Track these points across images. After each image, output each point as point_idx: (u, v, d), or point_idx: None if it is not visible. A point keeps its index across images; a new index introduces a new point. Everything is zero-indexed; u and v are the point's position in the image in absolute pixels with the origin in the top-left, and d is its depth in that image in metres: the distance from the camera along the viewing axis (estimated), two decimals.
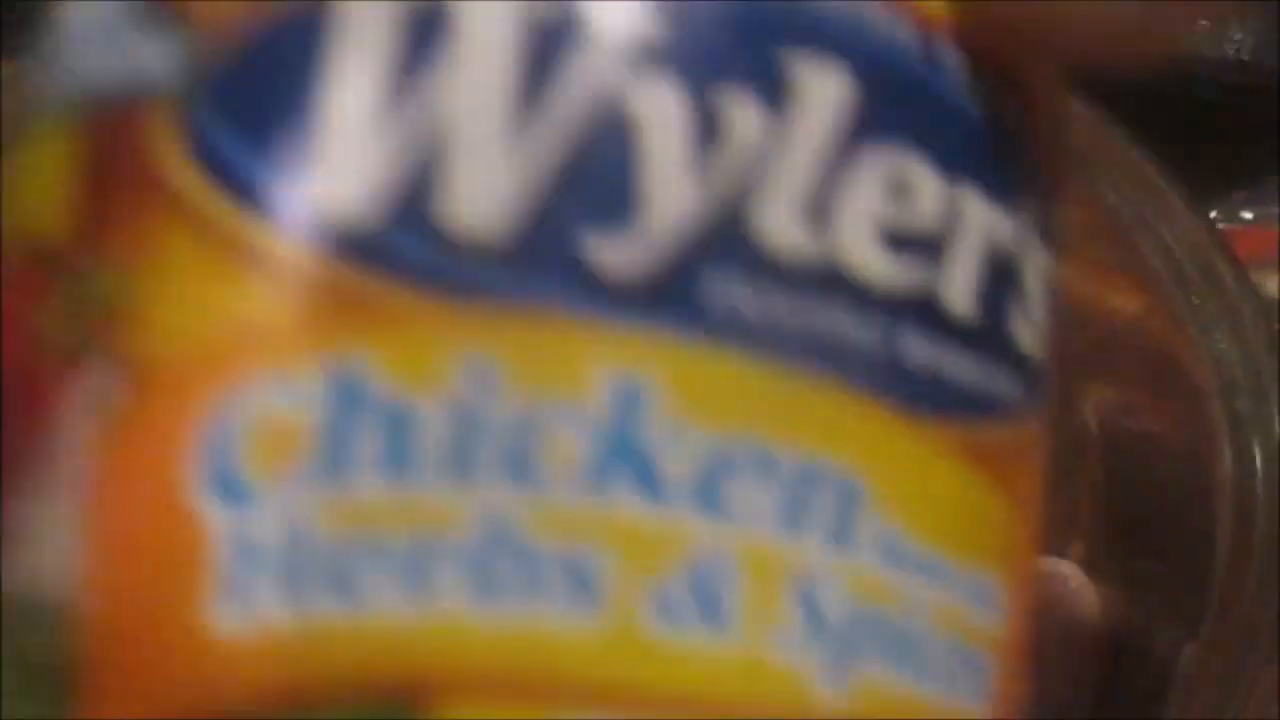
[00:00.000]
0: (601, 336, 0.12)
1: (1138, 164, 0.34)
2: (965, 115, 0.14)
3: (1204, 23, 0.47)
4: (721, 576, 0.12)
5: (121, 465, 0.12)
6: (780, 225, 0.13)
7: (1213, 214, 0.44)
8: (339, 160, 0.12)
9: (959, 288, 0.14)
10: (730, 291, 0.13)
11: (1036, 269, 0.15)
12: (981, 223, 0.14)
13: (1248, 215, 0.47)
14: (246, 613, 0.12)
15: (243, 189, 0.12)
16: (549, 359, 0.12)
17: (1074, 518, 0.36)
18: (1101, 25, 0.14)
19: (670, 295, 0.12)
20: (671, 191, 0.13)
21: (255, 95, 0.13)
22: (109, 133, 0.13)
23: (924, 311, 0.14)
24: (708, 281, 0.13)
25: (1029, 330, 0.15)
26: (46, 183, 0.14)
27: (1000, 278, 0.14)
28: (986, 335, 0.14)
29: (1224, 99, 0.48)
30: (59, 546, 0.12)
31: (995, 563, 0.14)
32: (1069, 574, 0.35)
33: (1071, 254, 0.36)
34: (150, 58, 0.13)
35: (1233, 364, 0.32)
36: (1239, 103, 0.47)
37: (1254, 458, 0.31)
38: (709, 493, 0.12)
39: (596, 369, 0.12)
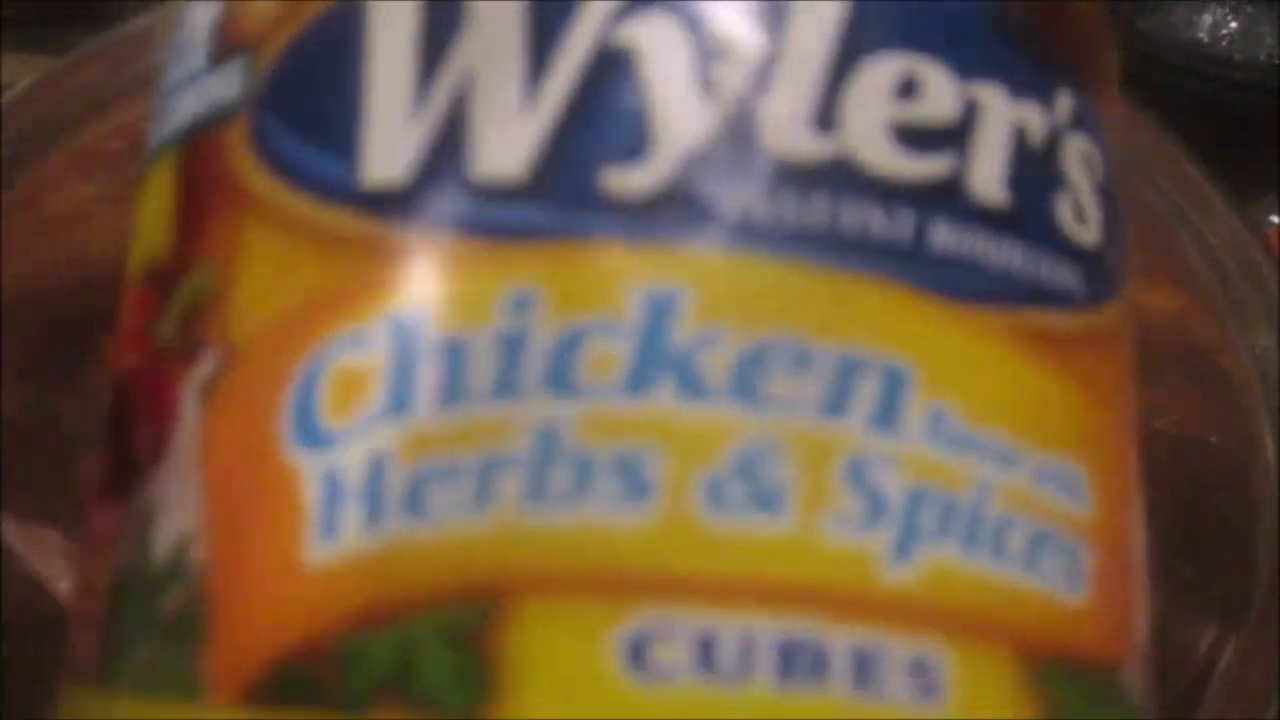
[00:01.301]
0: (628, 256, 0.13)
1: (1178, 161, 0.34)
2: (976, 17, 0.15)
3: (1233, 25, 0.47)
4: (770, 463, 0.13)
5: (225, 434, 0.14)
6: (788, 131, 0.14)
7: None
8: (379, 135, 0.14)
9: (988, 176, 0.14)
10: (745, 199, 0.13)
11: (1081, 159, 0.15)
12: (1005, 115, 0.15)
13: (1276, 219, 0.47)
14: (337, 543, 0.13)
15: (301, 177, 0.14)
16: (582, 282, 0.13)
17: None
18: None
19: (688, 210, 0.13)
20: (677, 115, 0.14)
21: (302, 92, 0.15)
22: (198, 158, 0.15)
23: (951, 200, 0.14)
24: (722, 192, 0.13)
25: (1080, 219, 0.15)
26: (156, 215, 0.16)
27: (1036, 167, 0.15)
28: (1026, 222, 0.15)
29: (1255, 102, 0.47)
30: (185, 514, 0.14)
31: (1073, 448, 0.14)
32: None
33: None
34: (222, 88, 0.15)
35: (1273, 362, 0.32)
36: (1269, 106, 0.46)
37: None
38: (747, 387, 0.13)
39: (627, 285, 0.13)
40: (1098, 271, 0.15)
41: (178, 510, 0.14)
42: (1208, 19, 0.50)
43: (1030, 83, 0.15)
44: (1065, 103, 0.15)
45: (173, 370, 0.15)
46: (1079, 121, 0.16)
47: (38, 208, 0.36)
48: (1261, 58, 0.49)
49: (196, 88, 0.16)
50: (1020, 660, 0.13)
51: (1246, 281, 0.33)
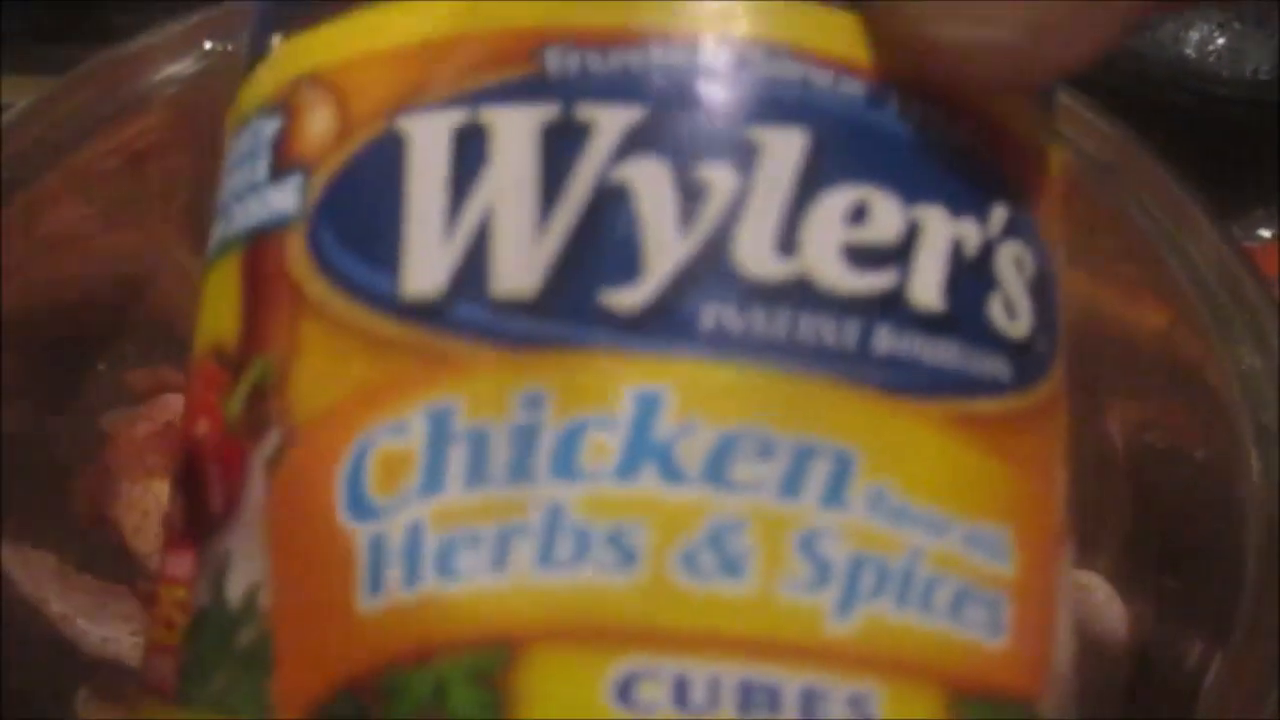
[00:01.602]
0: (622, 362, 0.16)
1: (1165, 181, 0.35)
2: (917, 145, 0.17)
3: (1220, 41, 0.48)
4: (735, 536, 0.16)
5: (287, 502, 0.17)
6: (756, 257, 0.16)
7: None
8: (416, 254, 0.17)
9: (926, 286, 0.17)
10: (720, 315, 0.16)
11: (1012, 262, 0.18)
12: (944, 232, 0.17)
13: (1266, 233, 0.48)
14: (382, 596, 0.16)
15: (350, 286, 0.17)
16: (584, 383, 0.16)
17: (1101, 531, 0.36)
18: (985, 52, 0.17)
19: (672, 324, 0.16)
20: (665, 245, 0.16)
21: (352, 212, 0.17)
22: (262, 259, 0.18)
23: (893, 309, 0.17)
24: (700, 310, 0.16)
25: (1011, 315, 0.18)
26: (223, 303, 0.19)
27: (970, 274, 0.17)
28: (960, 323, 0.17)
29: (1242, 118, 0.48)
30: (254, 566, 0.17)
31: (999, 515, 0.17)
32: (1097, 586, 0.36)
33: (1097, 271, 0.36)
34: (281, 200, 0.18)
35: (1259, 378, 0.32)
36: (1256, 121, 0.48)
37: None
38: (719, 472, 0.16)
39: (620, 386, 0.16)
40: (1027, 359, 0.18)
41: (248, 562, 0.17)
42: (1195, 35, 0.51)
43: (968, 200, 0.18)
44: (1000, 214, 0.18)
45: (242, 442, 0.18)
46: (1012, 228, 0.18)
47: (33, 228, 0.36)
48: (1248, 74, 0.51)
49: (259, 196, 0.18)
50: (945, 695, 0.16)
51: (1232, 299, 0.34)
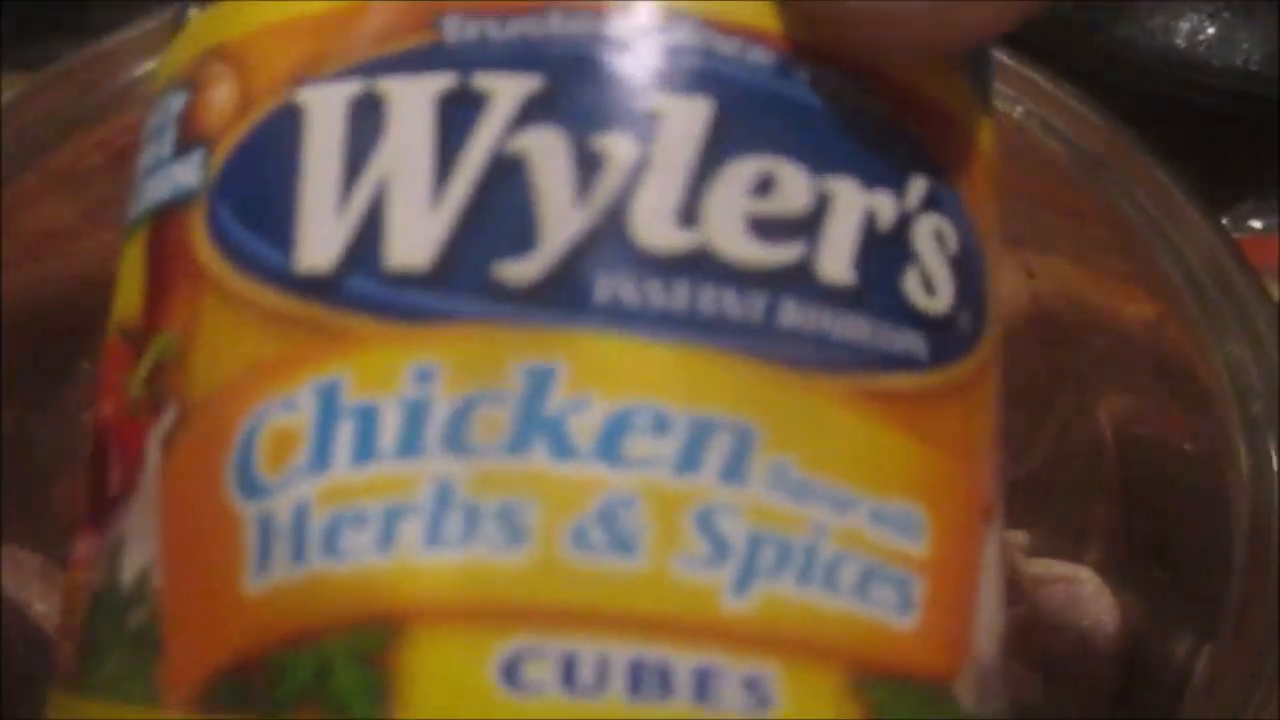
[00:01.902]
0: (514, 336, 0.16)
1: (1153, 172, 0.35)
2: (827, 116, 0.17)
3: (1210, 31, 0.48)
4: (628, 512, 0.15)
5: (180, 480, 0.17)
6: (655, 229, 0.16)
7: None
8: (310, 228, 0.16)
9: (835, 259, 0.16)
10: (617, 287, 0.16)
11: (932, 235, 0.17)
12: (856, 204, 0.17)
13: (1256, 224, 0.48)
14: (268, 577, 0.15)
15: (246, 260, 0.17)
16: (475, 358, 0.16)
17: (1089, 523, 0.36)
18: (894, 24, 0.16)
19: (565, 297, 0.16)
20: (560, 217, 0.16)
21: (248, 186, 0.17)
22: (165, 235, 0.18)
23: (799, 282, 0.16)
24: (596, 282, 0.16)
25: (930, 291, 0.17)
26: (131, 281, 0.18)
27: (884, 248, 0.17)
28: (870, 298, 0.17)
29: (1232, 108, 0.48)
30: (147, 546, 0.17)
31: (910, 493, 0.17)
32: (1086, 579, 0.35)
33: (1086, 262, 0.36)
34: (184, 175, 0.18)
35: (1248, 370, 0.32)
36: (1247, 112, 0.47)
37: (1271, 462, 0.31)
38: (611, 448, 0.15)
39: (512, 361, 0.15)
40: (947, 335, 0.17)
41: (141, 543, 0.17)
42: (1185, 25, 0.50)
43: (883, 172, 0.17)
44: (919, 186, 0.17)
45: (141, 421, 0.17)
46: (932, 201, 0.18)
47: (13, 228, 0.36)
48: (1238, 63, 0.50)
49: (165, 172, 0.18)
50: (849, 676, 0.16)
51: (1221, 291, 0.33)
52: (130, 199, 0.19)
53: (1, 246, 0.36)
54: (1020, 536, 0.38)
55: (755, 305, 0.16)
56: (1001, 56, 0.34)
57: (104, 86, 0.37)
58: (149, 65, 0.38)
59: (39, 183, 0.36)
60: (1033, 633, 0.35)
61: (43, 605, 0.35)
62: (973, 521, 0.18)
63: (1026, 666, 0.35)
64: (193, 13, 0.19)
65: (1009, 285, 0.36)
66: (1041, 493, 0.37)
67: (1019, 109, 0.35)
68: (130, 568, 0.17)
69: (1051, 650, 0.35)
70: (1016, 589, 0.36)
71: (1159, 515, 0.35)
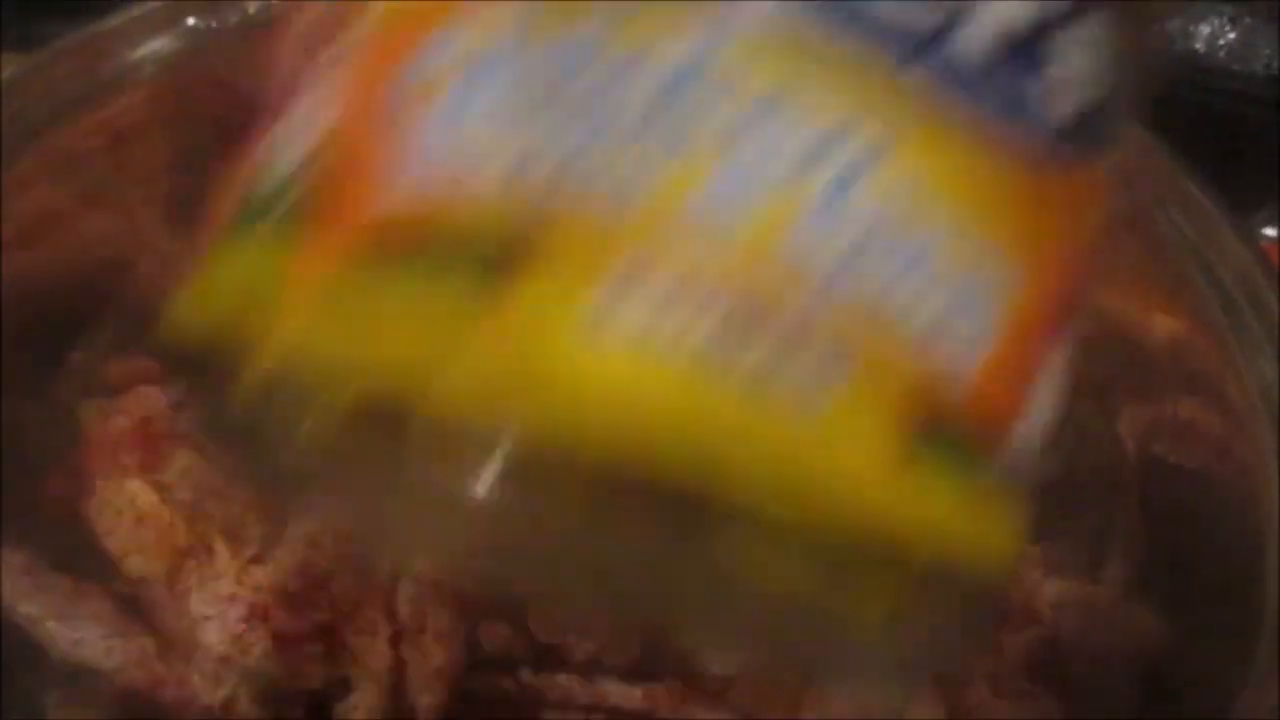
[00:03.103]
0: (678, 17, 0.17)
1: (1186, 188, 0.35)
2: None
3: (1231, 36, 0.48)
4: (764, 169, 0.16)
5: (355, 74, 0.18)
6: None
7: None
8: None
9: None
10: None
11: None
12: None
13: (1270, 232, 0.47)
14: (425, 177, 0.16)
15: None
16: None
17: (1108, 537, 0.36)
18: None
19: None
20: None
21: None
22: None
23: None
24: None
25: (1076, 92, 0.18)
26: None
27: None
28: (1036, 77, 0.17)
29: (1253, 112, 0.48)
30: (313, 129, 0.18)
31: (1024, 250, 0.17)
32: (1102, 594, 0.35)
33: (1116, 276, 0.36)
34: None
35: (1277, 389, 0.31)
36: (1266, 117, 0.47)
37: None
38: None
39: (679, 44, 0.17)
40: (1087, 133, 0.18)
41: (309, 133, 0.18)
42: (1205, 30, 0.50)
43: None
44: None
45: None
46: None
47: (7, 213, 0.35)
48: (1259, 69, 0.50)
49: None
50: (903, 407, 0.16)
51: (1252, 309, 0.33)
52: None
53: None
54: (1037, 550, 0.37)
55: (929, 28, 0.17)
56: None
57: (103, 67, 0.36)
58: (150, 47, 0.37)
59: (35, 167, 0.35)
60: (1052, 653, 0.35)
61: (30, 606, 0.34)
62: (1054, 312, 0.18)
63: (1045, 688, 0.35)
64: None
65: None
66: (1058, 505, 0.37)
67: None
68: (294, 152, 0.18)
69: (1070, 671, 0.35)
70: (1034, 611, 0.35)
71: (1181, 531, 0.35)
